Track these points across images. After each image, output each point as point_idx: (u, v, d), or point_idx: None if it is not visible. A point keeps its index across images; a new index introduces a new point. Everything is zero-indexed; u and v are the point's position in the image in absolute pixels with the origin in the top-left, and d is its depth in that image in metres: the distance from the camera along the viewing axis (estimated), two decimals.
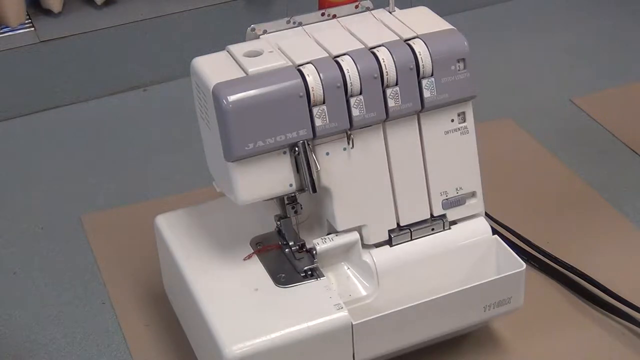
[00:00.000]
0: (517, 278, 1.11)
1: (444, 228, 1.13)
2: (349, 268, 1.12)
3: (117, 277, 1.31)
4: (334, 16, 1.12)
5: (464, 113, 1.11)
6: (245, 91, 1.01)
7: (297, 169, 1.05)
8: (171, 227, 1.17)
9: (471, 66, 1.08)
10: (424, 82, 1.07)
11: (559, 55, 1.79)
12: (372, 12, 1.13)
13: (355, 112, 1.04)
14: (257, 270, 1.10)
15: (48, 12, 1.73)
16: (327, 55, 1.05)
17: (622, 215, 1.39)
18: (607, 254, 1.32)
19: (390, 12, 1.13)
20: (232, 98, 1.00)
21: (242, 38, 1.10)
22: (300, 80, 1.02)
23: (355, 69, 1.04)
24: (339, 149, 1.06)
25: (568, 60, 1.78)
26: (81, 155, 1.57)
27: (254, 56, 1.05)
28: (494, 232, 1.15)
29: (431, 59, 1.06)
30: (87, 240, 1.38)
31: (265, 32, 1.10)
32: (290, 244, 1.11)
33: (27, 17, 1.71)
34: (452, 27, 1.10)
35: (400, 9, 1.14)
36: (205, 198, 1.21)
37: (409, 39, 1.07)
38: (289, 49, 1.06)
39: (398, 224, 1.11)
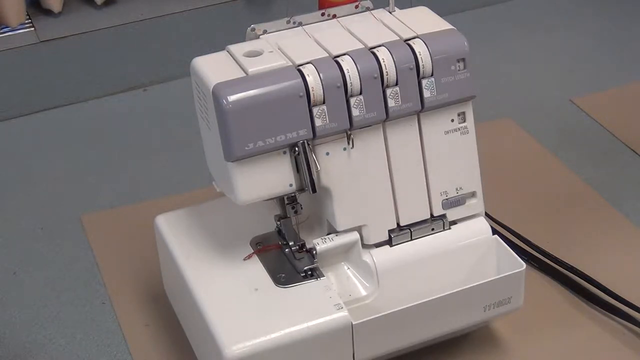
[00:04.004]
0: (517, 278, 1.11)
1: (444, 228, 1.13)
2: (349, 268, 1.12)
3: (117, 277, 1.31)
4: (334, 16, 1.12)
5: (464, 113, 1.11)
6: (245, 91, 1.01)
7: (297, 169, 1.05)
8: (171, 227, 1.17)
9: (471, 66, 1.08)
10: (424, 82, 1.06)
11: (559, 55, 1.79)
12: (372, 12, 1.13)
13: (355, 112, 1.04)
14: (257, 270, 1.10)
15: (48, 12, 1.73)
16: (327, 55, 1.05)
17: (622, 216, 1.39)
18: (607, 254, 1.32)
19: (390, 12, 1.13)
20: (232, 98, 1.00)
21: (242, 38, 1.10)
22: (300, 80, 1.02)
23: (355, 69, 1.04)
24: (339, 149, 1.06)
25: (568, 60, 1.78)
26: (81, 155, 1.57)
27: (254, 56, 1.05)
28: (494, 232, 1.15)
29: (431, 59, 1.06)
30: (87, 240, 1.38)
31: (265, 32, 1.10)
32: (290, 244, 1.11)
33: (27, 17, 1.71)
34: (452, 27, 1.10)
35: (400, 9, 1.14)
36: (205, 198, 1.21)
37: (409, 39, 1.07)
38: (289, 49, 1.06)
39: (398, 224, 1.11)
